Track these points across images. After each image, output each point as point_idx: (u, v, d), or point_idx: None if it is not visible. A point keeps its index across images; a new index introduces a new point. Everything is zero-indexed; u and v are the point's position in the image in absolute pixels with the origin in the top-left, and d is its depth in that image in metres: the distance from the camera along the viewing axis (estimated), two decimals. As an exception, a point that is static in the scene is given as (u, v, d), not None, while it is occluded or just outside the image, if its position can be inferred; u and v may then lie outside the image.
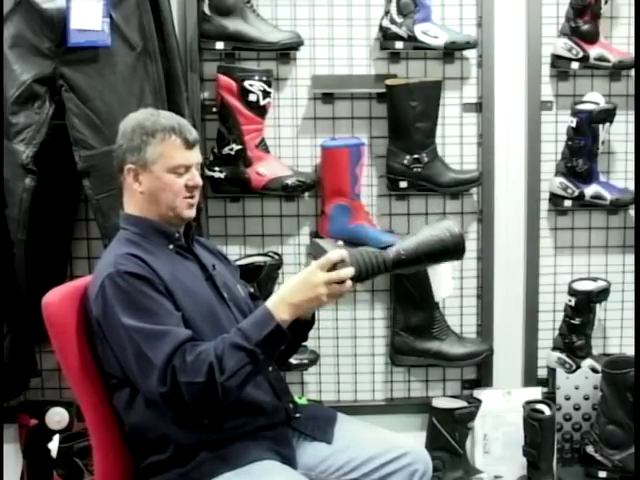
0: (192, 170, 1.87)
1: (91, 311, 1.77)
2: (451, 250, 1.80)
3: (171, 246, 1.88)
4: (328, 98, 2.70)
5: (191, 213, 1.89)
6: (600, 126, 2.65)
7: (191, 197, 1.88)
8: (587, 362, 2.73)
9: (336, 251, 1.71)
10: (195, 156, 1.89)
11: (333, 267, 1.70)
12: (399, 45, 2.60)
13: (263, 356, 1.67)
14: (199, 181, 1.89)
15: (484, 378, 2.81)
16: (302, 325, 1.88)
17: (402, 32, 2.59)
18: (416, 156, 2.62)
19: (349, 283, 1.69)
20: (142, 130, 1.84)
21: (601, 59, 2.66)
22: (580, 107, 2.66)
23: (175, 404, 1.65)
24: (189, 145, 1.86)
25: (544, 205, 2.79)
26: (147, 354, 1.65)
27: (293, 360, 2.57)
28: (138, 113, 1.93)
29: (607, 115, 2.65)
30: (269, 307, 1.70)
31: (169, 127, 1.84)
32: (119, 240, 1.87)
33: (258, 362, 1.67)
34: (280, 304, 1.70)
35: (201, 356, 1.65)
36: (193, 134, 1.88)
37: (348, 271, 1.69)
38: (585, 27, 2.65)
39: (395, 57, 2.69)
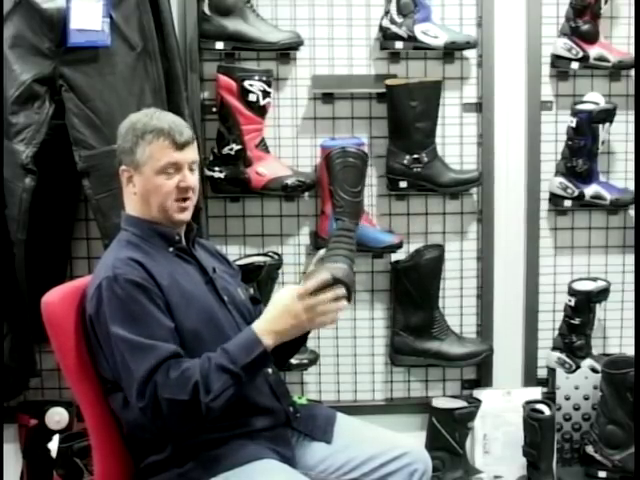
0: (184, 171, 1.84)
1: (87, 310, 1.77)
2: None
3: (171, 249, 1.87)
4: (328, 98, 2.69)
5: (183, 216, 1.86)
6: (600, 126, 2.64)
7: (183, 199, 1.84)
8: (587, 362, 2.73)
9: (320, 278, 1.69)
10: (186, 156, 1.84)
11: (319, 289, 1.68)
12: (399, 45, 2.60)
13: (246, 379, 1.68)
14: (191, 182, 1.85)
15: (484, 378, 2.81)
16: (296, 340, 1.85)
17: (402, 32, 2.59)
18: (416, 156, 2.62)
19: (341, 304, 1.70)
20: (134, 132, 1.83)
21: (601, 59, 2.66)
22: (580, 107, 2.65)
23: (153, 419, 1.64)
24: (178, 146, 1.82)
25: (544, 205, 2.79)
26: (130, 366, 1.65)
27: (293, 360, 2.56)
28: (135, 114, 1.91)
29: (607, 115, 2.65)
30: (256, 331, 1.70)
31: (158, 128, 1.82)
32: (120, 241, 1.86)
33: (241, 385, 1.68)
34: (265, 330, 1.70)
35: (186, 374, 1.64)
36: (184, 135, 1.84)
37: (330, 295, 1.68)
38: (585, 27, 2.65)
39: (395, 57, 2.69)
